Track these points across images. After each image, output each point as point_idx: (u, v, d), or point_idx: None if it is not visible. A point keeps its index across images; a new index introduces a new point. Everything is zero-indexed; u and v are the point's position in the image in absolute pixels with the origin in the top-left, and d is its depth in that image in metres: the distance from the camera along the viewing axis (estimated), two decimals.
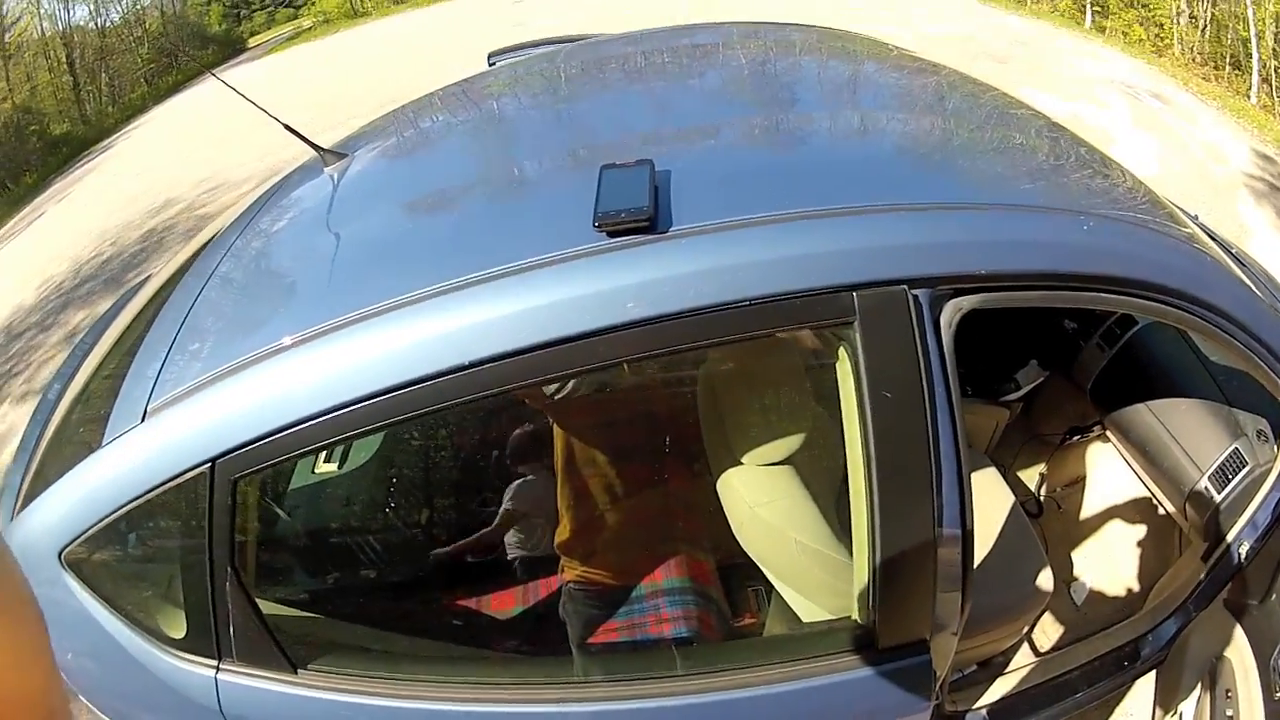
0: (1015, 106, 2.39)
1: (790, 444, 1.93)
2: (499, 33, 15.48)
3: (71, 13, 28.71)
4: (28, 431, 2.31)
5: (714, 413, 2.13)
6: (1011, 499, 2.67)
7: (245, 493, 1.60)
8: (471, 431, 2.29)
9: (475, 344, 1.48)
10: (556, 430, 2.27)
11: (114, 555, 1.74)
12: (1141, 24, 18.10)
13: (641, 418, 2.39)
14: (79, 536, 1.66)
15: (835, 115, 2.13)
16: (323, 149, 2.33)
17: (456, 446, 2.34)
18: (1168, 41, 17.87)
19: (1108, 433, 2.95)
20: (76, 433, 2.06)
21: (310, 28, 29.63)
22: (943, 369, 1.53)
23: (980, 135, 2.11)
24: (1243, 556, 2.14)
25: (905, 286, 1.50)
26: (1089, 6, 19.52)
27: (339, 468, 2.49)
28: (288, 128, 2.37)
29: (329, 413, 1.50)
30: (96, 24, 29.93)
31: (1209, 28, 17.58)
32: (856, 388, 1.53)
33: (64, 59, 27.92)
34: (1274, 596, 1.99)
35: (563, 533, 2.27)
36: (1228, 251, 2.35)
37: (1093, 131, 8.99)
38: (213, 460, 1.52)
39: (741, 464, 1.96)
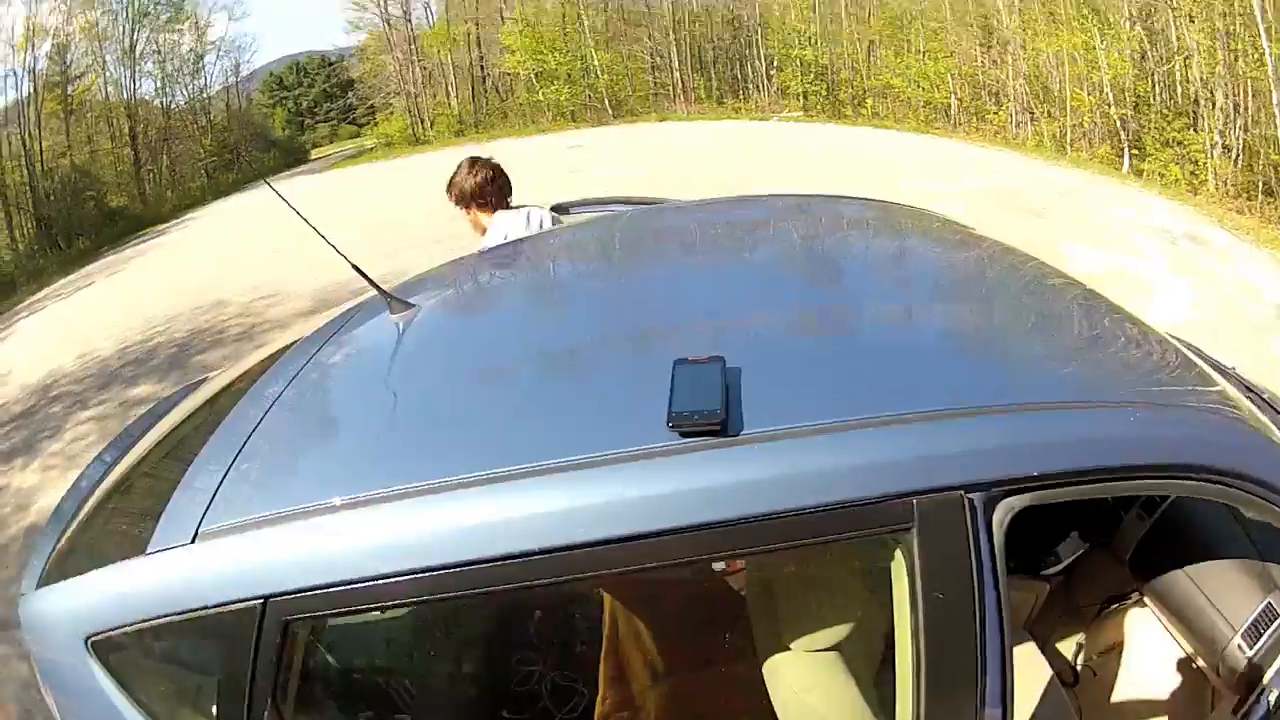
0: (1058, 280, 2.46)
1: (839, 631, 1.91)
2: (555, 178, 16.22)
3: (138, 84, 29.32)
4: (63, 505, 2.35)
5: (764, 597, 2.13)
6: (1048, 672, 2.65)
7: (295, 633, 1.62)
8: (526, 602, 2.23)
9: (538, 533, 1.49)
10: (606, 600, 2.24)
11: (146, 656, 1.75)
12: (1177, 162, 18.19)
13: (691, 597, 2.40)
14: (112, 629, 1.67)
15: (890, 306, 2.21)
16: (391, 296, 2.33)
17: (507, 614, 2.32)
18: (1202, 178, 17.77)
19: (1145, 599, 2.89)
20: (116, 523, 2.14)
21: (372, 148, 30.20)
22: (993, 567, 1.55)
23: (1027, 321, 2.22)
24: (1272, 705, 2.14)
25: (961, 491, 1.53)
26: (1126, 150, 19.63)
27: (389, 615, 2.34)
28: (357, 269, 2.39)
29: (390, 577, 1.52)
30: (161, 103, 30.38)
31: (1241, 156, 17.55)
32: (910, 587, 1.54)
33: (127, 131, 28.42)
34: None
35: (602, 705, 2.22)
36: (1270, 407, 2.43)
37: (1132, 284, 9.37)
38: (266, 598, 1.53)
39: (789, 649, 1.94)
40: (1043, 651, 2.79)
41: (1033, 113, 22.42)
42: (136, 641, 1.70)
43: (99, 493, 2.29)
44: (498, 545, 1.49)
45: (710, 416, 1.52)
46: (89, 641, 1.69)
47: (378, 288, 2.31)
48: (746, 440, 1.53)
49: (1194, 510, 2.73)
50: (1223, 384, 2.16)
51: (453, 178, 4.21)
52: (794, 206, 3.12)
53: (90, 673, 1.70)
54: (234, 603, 1.56)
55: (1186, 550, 2.62)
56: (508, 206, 4.21)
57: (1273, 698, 2.13)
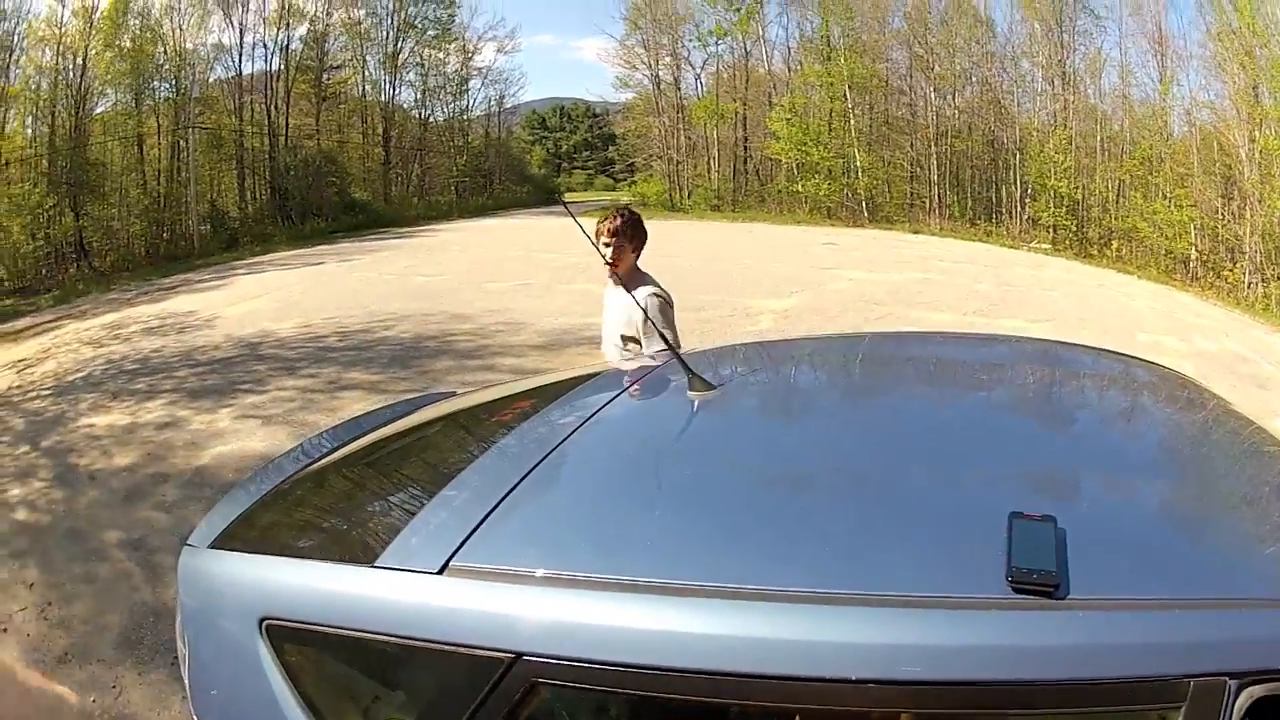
0: None
1: None
2: (805, 275, 16.15)
3: (397, 91, 31.12)
4: (264, 474, 2.37)
5: None
6: None
7: (537, 696, 1.53)
8: None
9: (832, 662, 1.41)
10: None
11: (333, 661, 1.72)
12: None
13: None
14: (300, 623, 1.66)
15: (1183, 483, 2.16)
16: (695, 374, 2.31)
17: None
18: None
19: None
20: (328, 516, 2.17)
21: (628, 204, 31.10)
22: None
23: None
24: None
25: (1228, 678, 1.45)
26: None
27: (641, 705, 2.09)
28: (664, 337, 2.63)
29: (654, 670, 1.42)
30: (419, 114, 32.39)
31: None
32: None
33: (380, 131, 30.12)
34: None
35: None
36: None
37: None
38: (519, 654, 1.47)
39: None
40: None
41: (1264, 273, 22.36)
42: (327, 645, 1.67)
43: (305, 477, 2.30)
44: (798, 666, 1.42)
45: (1047, 577, 1.47)
46: (264, 624, 1.68)
47: (684, 363, 2.33)
48: (1072, 605, 1.47)
49: None
50: None
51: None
52: (1066, 356, 3.25)
53: (255, 653, 1.69)
54: (483, 649, 1.52)
55: None
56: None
57: None
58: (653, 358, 3.19)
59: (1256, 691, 1.49)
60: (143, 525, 5.32)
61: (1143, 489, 2.04)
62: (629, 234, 4.05)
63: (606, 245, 3.99)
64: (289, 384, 8.14)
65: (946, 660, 1.41)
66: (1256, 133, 23.15)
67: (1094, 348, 3.39)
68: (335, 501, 2.24)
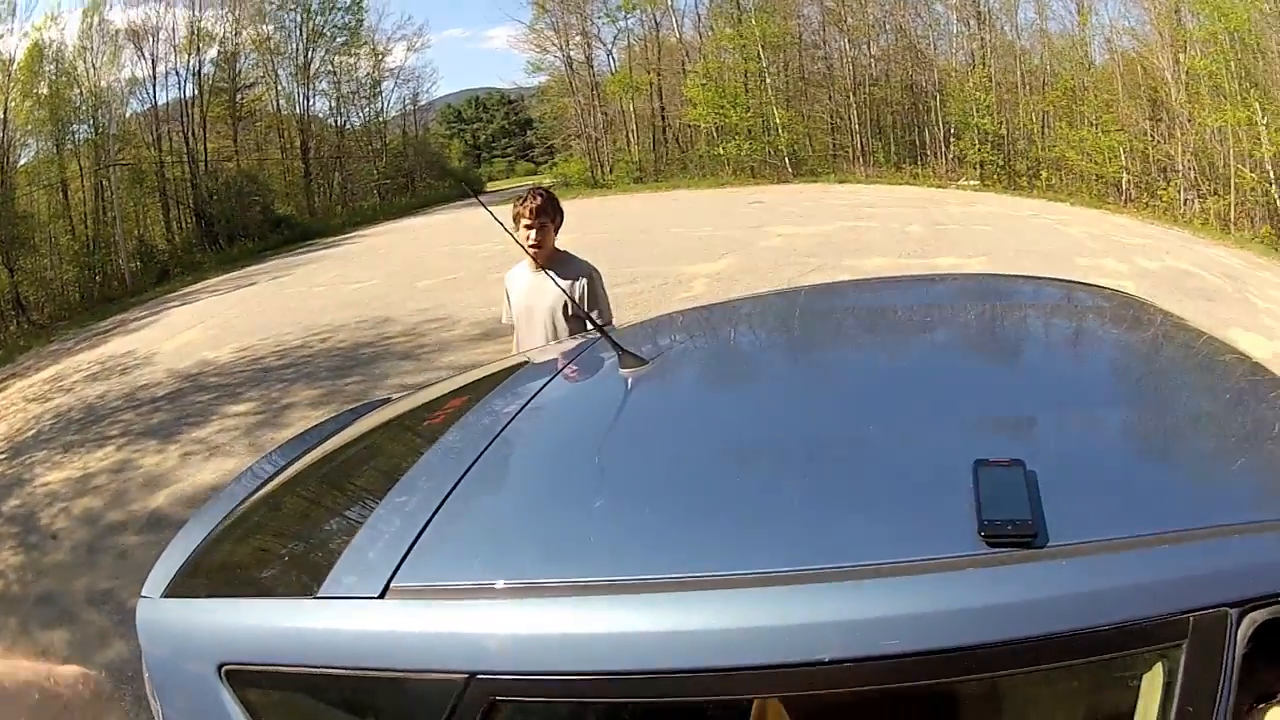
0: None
1: None
2: (739, 234, 16.34)
3: (311, 102, 30.84)
4: (205, 513, 2.25)
5: (985, 694, 1.93)
6: None
7: (497, 714, 1.48)
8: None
9: (804, 646, 1.36)
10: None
11: (295, 701, 1.66)
12: None
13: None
14: (257, 665, 1.60)
15: (1156, 406, 2.14)
16: (625, 350, 2.22)
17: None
18: None
19: None
20: (271, 549, 2.10)
21: (550, 187, 30.84)
22: (1233, 678, 1.46)
23: (1251, 430, 2.08)
24: None
25: (1228, 608, 1.44)
26: None
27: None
28: (595, 324, 2.48)
29: (618, 675, 1.39)
30: (335, 122, 32.05)
31: None
32: (1164, 701, 1.45)
33: (298, 144, 29.73)
34: None
35: None
36: None
37: None
38: (472, 674, 1.42)
39: None
40: None
41: (1199, 189, 22.81)
42: (285, 684, 1.60)
43: (249, 508, 2.21)
44: (771, 654, 1.35)
45: (1023, 527, 1.41)
46: (223, 670, 1.59)
47: (612, 340, 2.27)
48: (1054, 553, 1.42)
49: None
50: None
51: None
52: (1009, 289, 3.16)
53: (219, 701, 1.60)
54: (434, 672, 1.46)
55: None
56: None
57: None
58: (589, 333, 3.08)
59: (1259, 617, 1.47)
60: (108, 577, 5.40)
61: (1109, 419, 1.98)
62: (550, 213, 4.00)
63: (529, 227, 3.95)
64: (233, 410, 8.21)
65: (925, 629, 1.35)
66: (1181, 55, 23.57)
67: (1035, 277, 3.33)
68: (276, 533, 2.17)
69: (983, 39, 28.74)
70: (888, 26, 30.25)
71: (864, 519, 1.54)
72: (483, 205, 2.61)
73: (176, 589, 1.86)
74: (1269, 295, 12.91)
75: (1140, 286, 11.57)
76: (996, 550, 1.40)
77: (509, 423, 2.05)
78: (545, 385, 2.32)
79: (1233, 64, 22.29)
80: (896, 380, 2.20)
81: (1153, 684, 1.48)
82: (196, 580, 1.91)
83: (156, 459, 7.16)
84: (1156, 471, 1.82)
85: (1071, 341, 2.70)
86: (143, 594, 1.87)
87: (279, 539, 2.14)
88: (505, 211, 3.73)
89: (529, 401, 2.18)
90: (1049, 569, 1.40)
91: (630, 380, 2.19)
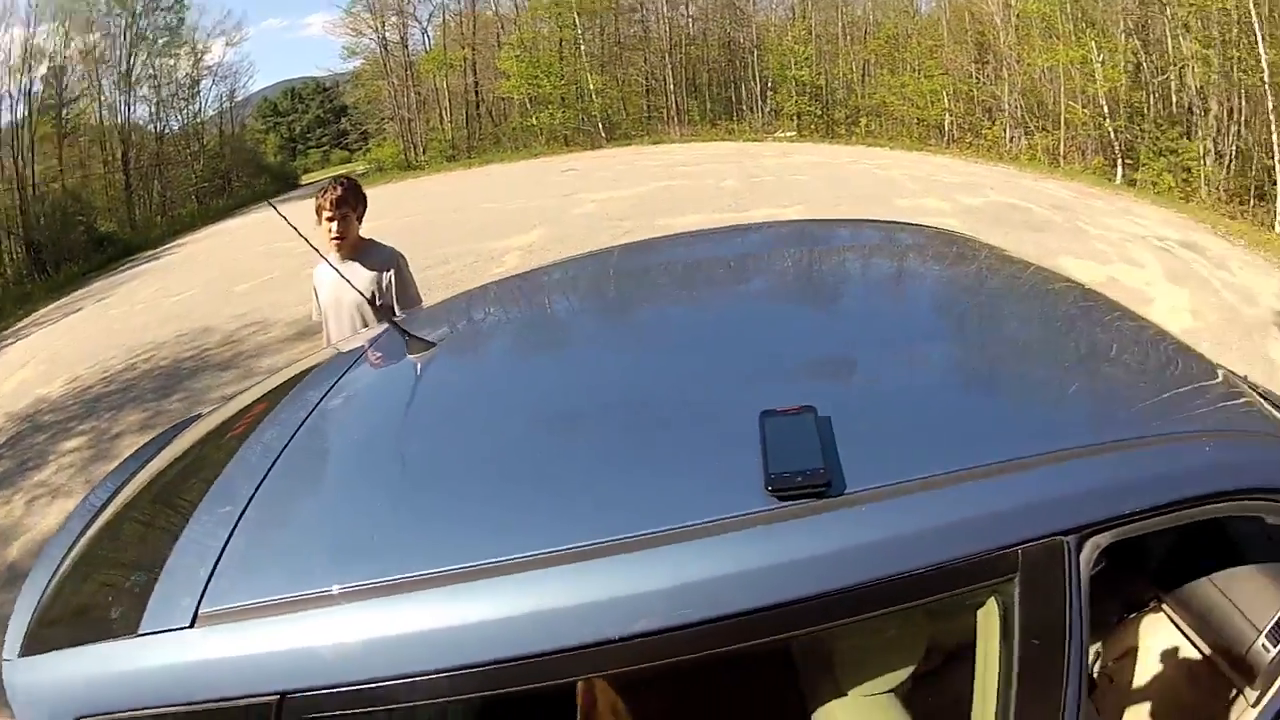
0: (1101, 304, 2.48)
1: (900, 675, 1.82)
2: (551, 205, 16.40)
3: (133, 109, 29.63)
4: (47, 557, 2.12)
5: (817, 640, 1.96)
6: None
7: None
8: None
9: (600, 624, 1.31)
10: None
11: None
12: (1170, 171, 19.63)
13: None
14: (103, 714, 1.51)
15: (956, 344, 2.12)
16: (410, 334, 2.17)
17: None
18: (1195, 185, 19.15)
19: (1163, 606, 2.84)
20: (104, 590, 1.92)
21: (364, 174, 30.02)
22: (1079, 604, 1.50)
23: (1090, 352, 2.16)
24: None
25: (1062, 536, 1.47)
26: (1120, 161, 21.19)
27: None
28: (365, 296, 2.28)
29: (422, 675, 1.36)
30: (155, 128, 30.53)
31: (1234, 161, 18.95)
32: (1004, 635, 1.48)
33: (119, 156, 28.45)
34: None
35: None
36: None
37: (1130, 293, 9.39)
38: (283, 694, 1.39)
39: (845, 695, 1.85)
40: None
41: (1026, 127, 23.14)
42: None
43: (83, 547, 2.06)
44: (558, 638, 1.32)
45: (814, 476, 1.37)
46: None
47: (395, 324, 2.18)
48: (854, 500, 1.39)
49: (1218, 520, 2.58)
50: (1257, 399, 2.18)
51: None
52: (822, 234, 2.98)
53: None
54: (245, 697, 1.40)
55: (1213, 558, 2.57)
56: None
57: None
58: (399, 318, 2.97)
59: (1103, 541, 1.50)
60: None
61: (925, 357, 1.94)
62: (353, 202, 3.92)
63: (331, 219, 3.86)
64: (69, 447, 8.21)
65: (716, 594, 1.31)
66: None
67: (851, 220, 3.24)
68: (104, 571, 2.00)
69: None
70: None
71: (654, 486, 1.49)
72: (276, 210, 2.40)
73: (29, 646, 1.73)
74: (1101, 222, 13.64)
75: (963, 223, 11.88)
76: (787, 504, 1.36)
77: (300, 426, 1.95)
78: (336, 383, 2.18)
79: (1069, 6, 22.93)
80: (700, 337, 2.12)
81: (989, 621, 1.49)
82: (44, 632, 1.78)
83: (3, 510, 7.13)
84: (976, 406, 1.79)
85: (887, 281, 2.65)
86: (4, 657, 1.74)
87: (106, 577, 1.99)
88: (306, 208, 3.81)
89: (320, 401, 2.07)
90: (844, 518, 1.36)
91: (419, 366, 2.11)
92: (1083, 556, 1.49)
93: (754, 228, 3.11)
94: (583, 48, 29.85)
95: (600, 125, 29.38)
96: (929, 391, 1.80)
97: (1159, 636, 2.82)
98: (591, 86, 29.18)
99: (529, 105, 30.01)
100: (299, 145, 37.86)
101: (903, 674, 1.82)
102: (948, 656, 1.71)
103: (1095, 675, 2.90)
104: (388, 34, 32.06)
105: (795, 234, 3.11)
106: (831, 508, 1.37)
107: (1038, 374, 1.98)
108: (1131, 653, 2.86)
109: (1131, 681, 2.80)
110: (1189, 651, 2.70)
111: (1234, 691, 2.49)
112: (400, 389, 2.15)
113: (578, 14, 29.58)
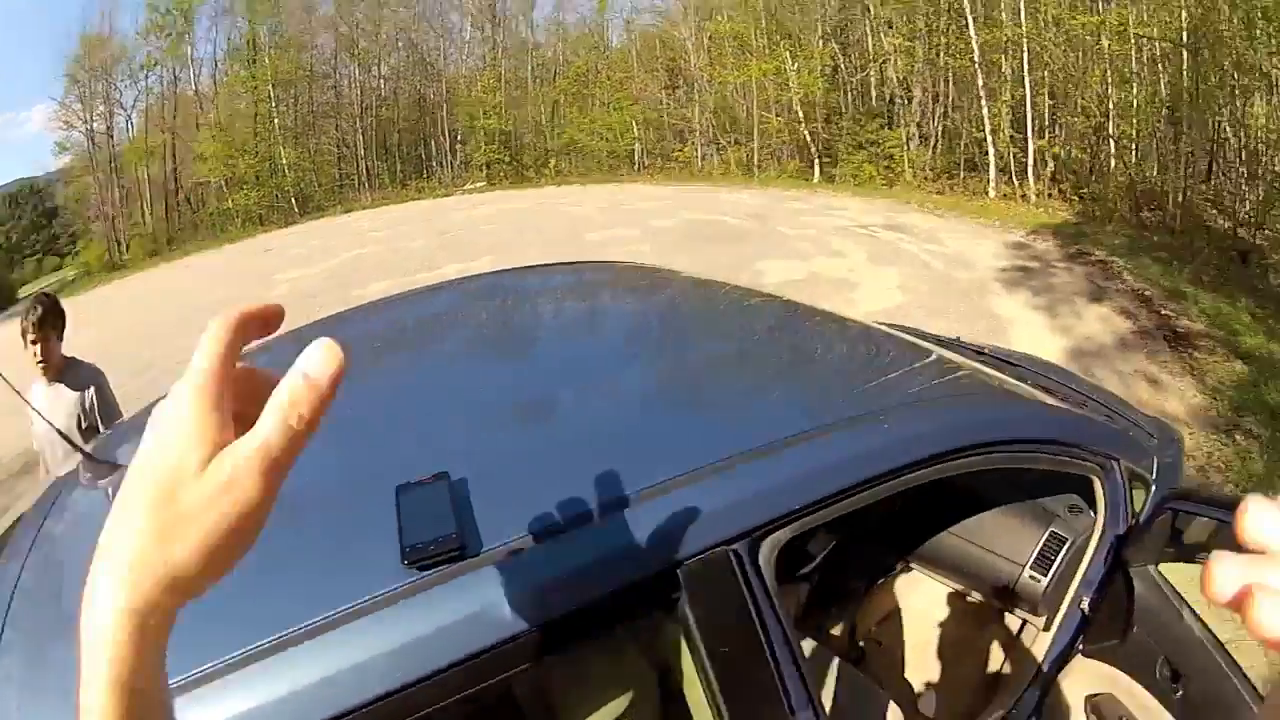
0: (801, 312, 2.55)
1: (618, 706, 1.76)
2: (250, 290, 16.05)
3: None
4: None
5: (536, 697, 1.92)
6: (834, 659, 2.49)
7: None
8: None
9: None
10: None
11: None
12: (871, 161, 20.28)
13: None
14: None
15: (600, 377, 2.04)
16: (91, 456, 1.91)
17: None
18: (899, 169, 19.71)
19: (912, 567, 2.91)
20: None
21: (73, 280, 28.25)
22: (768, 599, 1.47)
23: (752, 356, 2.22)
24: (1087, 611, 2.17)
25: (724, 546, 1.44)
26: (816, 160, 21.67)
27: None
28: (55, 428, 2.21)
29: None
30: None
31: (941, 141, 19.58)
32: (693, 650, 1.44)
33: None
34: (1134, 629, 2.04)
35: None
36: (1001, 361, 2.64)
37: (832, 284, 9.58)
38: None
39: None
40: (824, 643, 2.75)
41: (719, 143, 23.99)
42: None
43: None
44: None
45: (446, 541, 1.32)
46: None
47: (76, 446, 2.01)
48: (489, 558, 1.34)
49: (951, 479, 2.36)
50: (956, 358, 2.29)
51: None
52: (478, 289, 2.99)
53: None
54: None
55: (950, 514, 2.66)
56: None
57: (1085, 605, 2.18)
58: (103, 435, 2.92)
59: (783, 537, 1.52)
60: None
61: (590, 394, 1.90)
62: (52, 321, 3.77)
63: (35, 342, 3.73)
64: None
65: (376, 673, 1.23)
66: (707, 22, 25.29)
67: (539, 266, 3.21)
68: None
69: (495, 40, 29.19)
70: (400, 44, 30.16)
71: (304, 576, 1.39)
72: None
73: None
74: (800, 222, 13.88)
75: (656, 246, 12.09)
76: (426, 573, 1.31)
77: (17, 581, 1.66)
78: (36, 536, 1.85)
79: (763, 22, 23.64)
80: (366, 415, 1.87)
81: (676, 641, 1.53)
82: None
83: None
84: (645, 432, 1.75)
85: (562, 325, 2.63)
86: None
87: None
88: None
89: (29, 553, 1.77)
90: (480, 577, 1.32)
91: (110, 490, 1.75)
92: (762, 557, 1.49)
93: (434, 289, 3.02)
94: (276, 121, 29.83)
95: (294, 200, 28.76)
96: (593, 427, 1.78)
97: (919, 594, 2.91)
98: (284, 161, 29.16)
99: (225, 187, 29.11)
100: (15, 256, 35.18)
101: (621, 704, 1.77)
102: (662, 680, 1.73)
103: (861, 644, 2.96)
104: (95, 124, 30.84)
105: (478, 289, 3.05)
106: (471, 569, 1.32)
107: (712, 390, 1.99)
108: (895, 614, 2.94)
109: (903, 639, 2.87)
110: (955, 600, 2.81)
111: (1021, 623, 2.59)
112: (89, 521, 1.76)
113: (273, 85, 29.56)
